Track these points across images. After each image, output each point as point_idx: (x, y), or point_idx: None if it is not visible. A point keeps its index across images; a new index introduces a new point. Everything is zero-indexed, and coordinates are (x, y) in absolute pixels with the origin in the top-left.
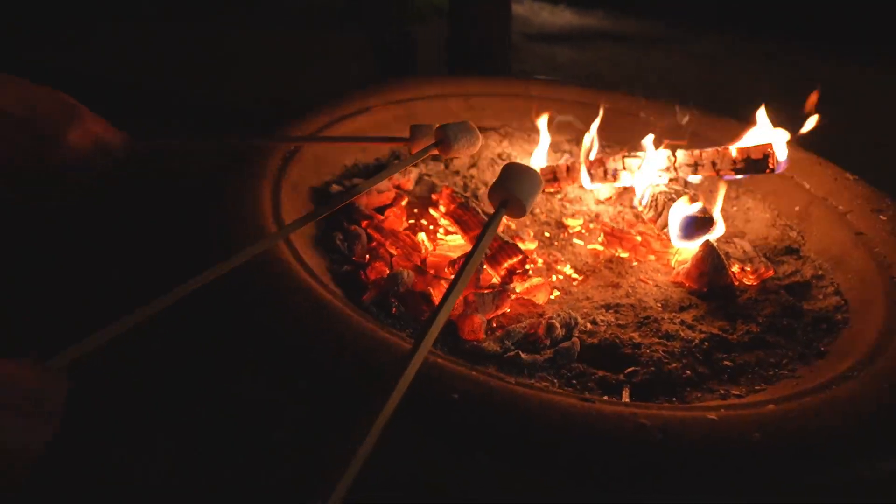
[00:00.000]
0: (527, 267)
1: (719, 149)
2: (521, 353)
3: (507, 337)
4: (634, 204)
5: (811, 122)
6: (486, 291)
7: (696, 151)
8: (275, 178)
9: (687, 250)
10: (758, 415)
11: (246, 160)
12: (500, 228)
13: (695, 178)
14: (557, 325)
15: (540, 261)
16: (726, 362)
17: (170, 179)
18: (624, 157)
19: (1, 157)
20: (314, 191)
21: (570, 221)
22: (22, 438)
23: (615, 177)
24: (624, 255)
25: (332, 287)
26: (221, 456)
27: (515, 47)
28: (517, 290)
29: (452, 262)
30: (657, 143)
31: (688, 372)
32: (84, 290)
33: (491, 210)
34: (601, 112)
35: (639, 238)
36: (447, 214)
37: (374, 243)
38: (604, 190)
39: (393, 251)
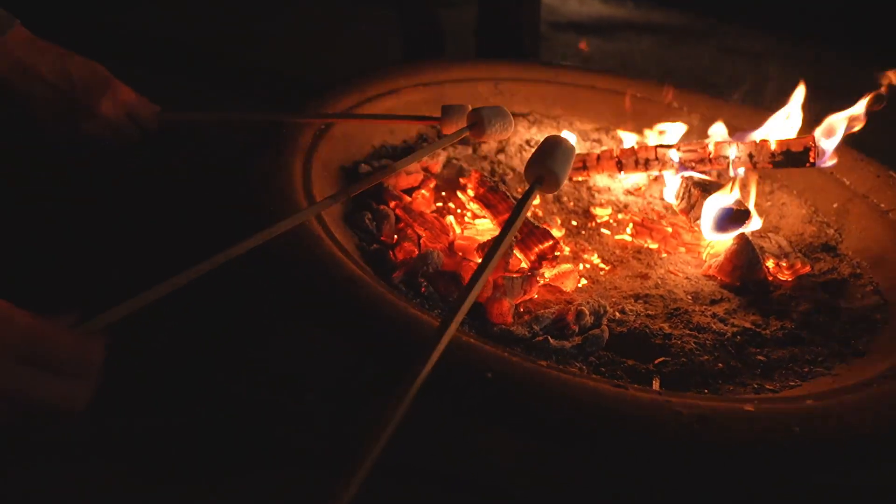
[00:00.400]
0: (556, 253)
1: (757, 140)
2: (549, 338)
3: (536, 322)
4: (665, 195)
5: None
6: (515, 275)
7: (733, 143)
8: (306, 155)
9: (719, 243)
10: (795, 409)
11: (278, 135)
12: (529, 213)
13: (738, 172)
14: (587, 311)
15: (567, 249)
16: (760, 357)
17: (201, 151)
18: (657, 147)
19: (39, 121)
20: (343, 170)
21: (598, 211)
22: (64, 398)
23: (647, 167)
24: (653, 246)
25: (361, 264)
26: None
27: (543, 37)
28: (546, 276)
29: (481, 246)
30: (692, 135)
31: (720, 364)
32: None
33: (518, 196)
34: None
35: (669, 229)
36: (476, 198)
37: (402, 224)
38: (634, 179)
39: (421, 232)
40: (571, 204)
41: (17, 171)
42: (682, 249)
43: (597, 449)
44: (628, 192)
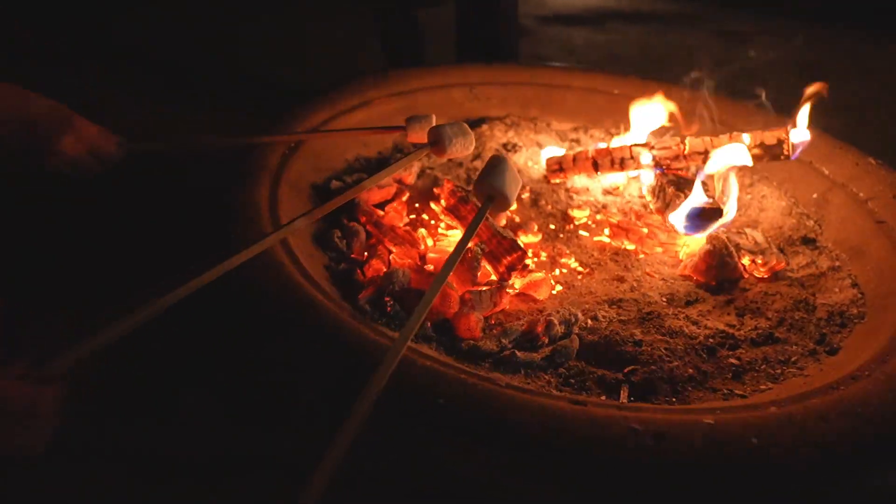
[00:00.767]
0: (527, 262)
1: (731, 135)
2: (517, 352)
3: (505, 335)
4: (644, 193)
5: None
6: (483, 289)
7: (708, 138)
8: (273, 176)
9: (695, 242)
10: (758, 418)
11: (244, 158)
12: (504, 221)
13: (713, 168)
14: (556, 322)
15: (544, 254)
16: (732, 360)
17: (168, 180)
18: (632, 146)
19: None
20: (314, 187)
21: (575, 213)
22: (17, 448)
23: (623, 166)
24: (630, 247)
25: (326, 286)
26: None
27: (530, 31)
28: (517, 286)
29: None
30: (668, 130)
31: (690, 370)
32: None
33: None
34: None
35: (645, 230)
36: (447, 209)
37: (374, 240)
38: (611, 179)
39: (392, 248)
40: (549, 207)
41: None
42: (659, 249)
43: (552, 471)
44: (607, 192)
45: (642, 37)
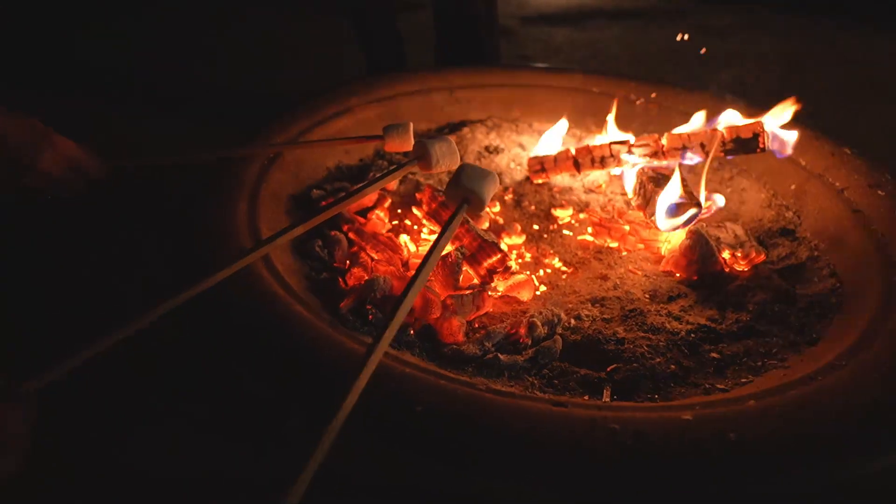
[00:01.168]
0: (509, 264)
1: (708, 130)
2: (499, 355)
3: (487, 338)
4: (625, 190)
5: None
6: (465, 293)
7: (685, 133)
8: (252, 189)
9: (676, 237)
10: (736, 413)
11: (222, 173)
12: (487, 224)
13: (691, 161)
14: (539, 323)
15: (528, 255)
16: (713, 354)
17: (147, 196)
18: (611, 143)
19: None
20: (294, 198)
21: (559, 212)
22: None
23: (603, 164)
24: (613, 245)
25: (307, 296)
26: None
27: (512, 31)
28: (500, 289)
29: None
30: (645, 128)
31: (672, 366)
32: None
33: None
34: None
35: (627, 227)
36: (428, 214)
37: (356, 248)
38: (594, 178)
39: (374, 255)
40: (533, 208)
41: None
42: (641, 246)
43: (534, 474)
44: (589, 191)
45: (624, 34)
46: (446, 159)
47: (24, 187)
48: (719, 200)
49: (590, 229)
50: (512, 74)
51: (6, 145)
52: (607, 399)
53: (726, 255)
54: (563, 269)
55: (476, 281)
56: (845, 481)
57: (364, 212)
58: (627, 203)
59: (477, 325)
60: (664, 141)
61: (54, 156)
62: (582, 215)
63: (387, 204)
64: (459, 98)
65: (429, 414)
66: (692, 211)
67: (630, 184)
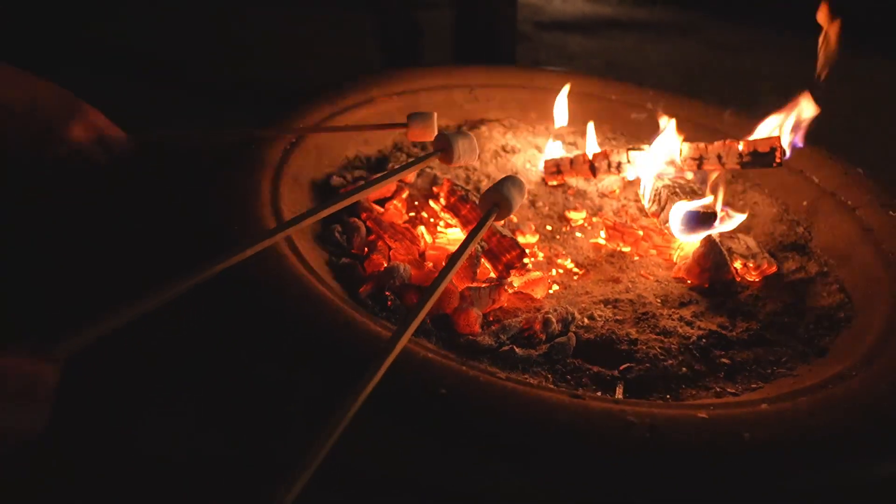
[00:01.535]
0: (525, 261)
1: (725, 142)
2: (515, 347)
3: (503, 331)
4: (639, 196)
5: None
6: (483, 286)
7: (702, 145)
8: (275, 171)
9: (689, 245)
10: (749, 414)
11: (246, 152)
12: (502, 222)
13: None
14: (554, 319)
15: (541, 254)
16: (724, 360)
17: (172, 173)
18: (628, 150)
19: (3, 149)
20: (315, 183)
21: (572, 215)
22: (16, 425)
23: (619, 170)
24: (626, 249)
25: (329, 280)
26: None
27: (527, 36)
28: (515, 285)
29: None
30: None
31: (684, 369)
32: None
33: None
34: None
35: (640, 232)
36: (446, 207)
37: (373, 236)
38: (608, 183)
39: (392, 244)
40: (547, 209)
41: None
42: (654, 252)
43: (551, 461)
44: (603, 195)
45: (637, 45)
46: (467, 155)
47: (54, 157)
48: (738, 219)
49: (602, 233)
50: (531, 76)
51: (39, 114)
52: (620, 396)
53: (738, 265)
54: (575, 270)
55: (493, 275)
56: (855, 485)
57: (382, 202)
58: (641, 209)
59: (491, 319)
60: (681, 150)
61: (84, 127)
62: (595, 219)
63: (404, 195)
64: (479, 97)
65: (453, 397)
66: (718, 227)
67: (646, 190)
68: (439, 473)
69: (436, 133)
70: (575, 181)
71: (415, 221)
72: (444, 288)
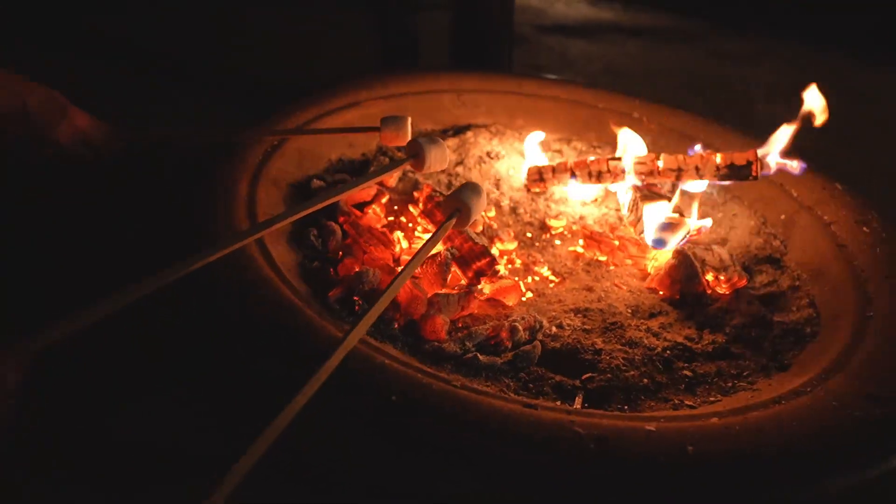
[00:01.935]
0: (497, 268)
1: (704, 154)
2: (479, 355)
3: (469, 338)
4: (619, 206)
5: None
6: (452, 292)
7: (681, 156)
8: (253, 173)
9: (663, 256)
10: (698, 427)
11: (226, 155)
12: (481, 227)
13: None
14: (521, 328)
15: (518, 261)
16: (686, 372)
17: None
18: (609, 159)
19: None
20: (295, 186)
21: (552, 222)
22: None
23: (600, 179)
24: (602, 258)
25: (298, 283)
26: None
27: (528, 40)
28: (486, 292)
29: (425, 259)
30: (647, 148)
31: (645, 380)
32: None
33: None
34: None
35: (616, 242)
36: (423, 213)
37: (350, 239)
38: (590, 191)
39: (366, 248)
40: (527, 216)
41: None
42: (629, 262)
43: (502, 469)
44: (585, 204)
45: (638, 51)
46: (438, 162)
47: (44, 158)
48: (707, 223)
49: (581, 241)
50: (519, 83)
51: (25, 113)
52: (579, 405)
53: (710, 277)
54: (552, 277)
55: (464, 281)
56: (796, 502)
57: (362, 206)
58: (620, 219)
59: (460, 325)
60: (660, 162)
61: (71, 127)
62: (575, 227)
63: (384, 200)
64: (466, 101)
65: (404, 404)
66: (682, 232)
67: (624, 201)
68: (391, 476)
69: (409, 137)
70: (557, 189)
71: (393, 226)
72: (407, 291)
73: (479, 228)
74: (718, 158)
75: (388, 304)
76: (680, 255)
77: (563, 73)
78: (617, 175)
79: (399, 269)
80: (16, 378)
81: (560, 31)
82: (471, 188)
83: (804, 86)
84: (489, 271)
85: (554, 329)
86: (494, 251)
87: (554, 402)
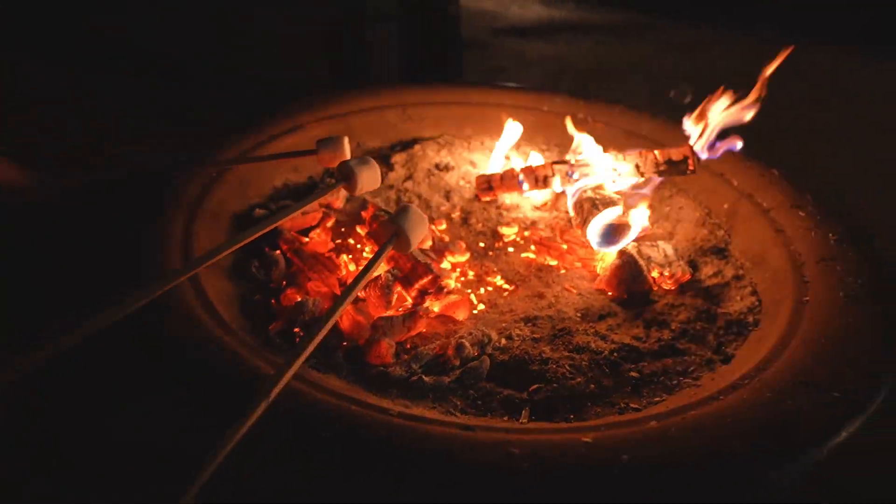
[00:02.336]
0: (442, 284)
1: (643, 151)
2: (423, 376)
3: (415, 360)
4: (568, 209)
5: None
6: (397, 313)
7: (620, 155)
8: (191, 207)
9: (611, 256)
10: (635, 434)
11: (161, 190)
12: (430, 243)
13: (625, 182)
14: (467, 344)
15: (471, 273)
16: (633, 373)
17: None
18: (553, 163)
19: None
20: (238, 217)
21: (504, 230)
22: None
23: (546, 183)
24: (553, 262)
25: (234, 320)
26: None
27: (486, 44)
28: (435, 309)
29: (366, 285)
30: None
31: (592, 386)
32: None
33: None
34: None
35: (565, 246)
36: (368, 234)
37: (295, 267)
38: (540, 196)
39: (311, 275)
40: (480, 225)
41: None
42: (578, 264)
43: (441, 496)
44: (536, 209)
45: (593, 48)
46: (369, 182)
47: None
48: (643, 220)
49: (532, 247)
50: (465, 92)
51: None
52: (525, 420)
53: (655, 274)
54: (506, 286)
55: (409, 302)
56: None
57: (308, 231)
58: (570, 221)
59: (409, 346)
60: (599, 160)
61: None
62: (527, 233)
63: (330, 223)
64: (412, 115)
65: (335, 440)
66: (626, 232)
67: (571, 203)
68: None
69: (348, 157)
70: (508, 196)
71: (341, 249)
72: (349, 318)
73: (429, 244)
74: (657, 154)
75: (324, 335)
76: (624, 254)
77: (522, 74)
78: (562, 178)
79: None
80: None
81: (516, 33)
82: (406, 213)
83: (756, 70)
84: (433, 289)
85: (503, 341)
86: (446, 265)
87: (502, 417)
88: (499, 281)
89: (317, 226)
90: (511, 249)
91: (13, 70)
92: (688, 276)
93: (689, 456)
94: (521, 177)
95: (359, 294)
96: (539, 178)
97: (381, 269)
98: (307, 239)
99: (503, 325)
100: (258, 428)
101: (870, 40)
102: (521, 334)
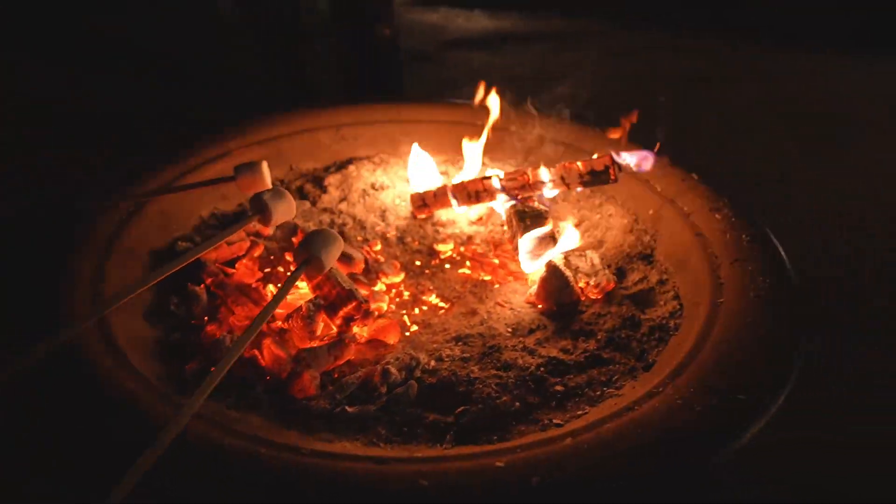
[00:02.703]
0: (367, 310)
1: (566, 164)
2: (346, 407)
3: (339, 390)
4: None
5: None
6: (322, 344)
7: (547, 169)
8: (103, 245)
9: (538, 270)
10: (548, 454)
11: (70, 229)
12: (363, 266)
13: (552, 194)
14: (394, 369)
15: (406, 293)
16: (558, 387)
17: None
18: (483, 178)
19: None
20: (157, 253)
21: (440, 247)
22: None
23: (478, 199)
24: (487, 278)
25: (148, 364)
26: None
27: (432, 57)
28: (364, 335)
29: (288, 316)
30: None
31: (517, 404)
32: None
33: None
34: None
35: (496, 261)
36: (294, 262)
37: (218, 301)
38: (475, 211)
39: (235, 309)
40: (416, 244)
41: None
42: (510, 279)
43: None
44: (472, 224)
45: (538, 57)
46: (284, 213)
47: None
48: (574, 236)
49: (468, 263)
50: (398, 110)
51: None
52: (449, 445)
53: (582, 283)
54: (441, 304)
55: (334, 330)
56: None
57: (234, 262)
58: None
59: (336, 376)
60: (530, 175)
61: None
62: (462, 248)
63: (257, 252)
64: (346, 135)
65: (241, 485)
66: (558, 248)
67: (503, 217)
68: None
69: (268, 183)
70: (444, 212)
71: (269, 278)
72: (268, 352)
73: (362, 267)
74: (580, 166)
75: (225, 373)
76: (550, 266)
77: (469, 86)
78: (493, 193)
79: (276, 324)
80: None
81: (463, 45)
82: (318, 236)
83: (700, 72)
84: (359, 315)
85: (433, 363)
86: (381, 286)
87: (426, 444)
88: (434, 299)
89: (243, 256)
90: (447, 266)
91: (13, 70)
92: (612, 285)
93: (600, 473)
94: (451, 194)
95: (283, 325)
96: (471, 194)
97: (309, 296)
98: (233, 270)
99: (434, 346)
100: (150, 480)
101: (861, 43)
102: (452, 354)
